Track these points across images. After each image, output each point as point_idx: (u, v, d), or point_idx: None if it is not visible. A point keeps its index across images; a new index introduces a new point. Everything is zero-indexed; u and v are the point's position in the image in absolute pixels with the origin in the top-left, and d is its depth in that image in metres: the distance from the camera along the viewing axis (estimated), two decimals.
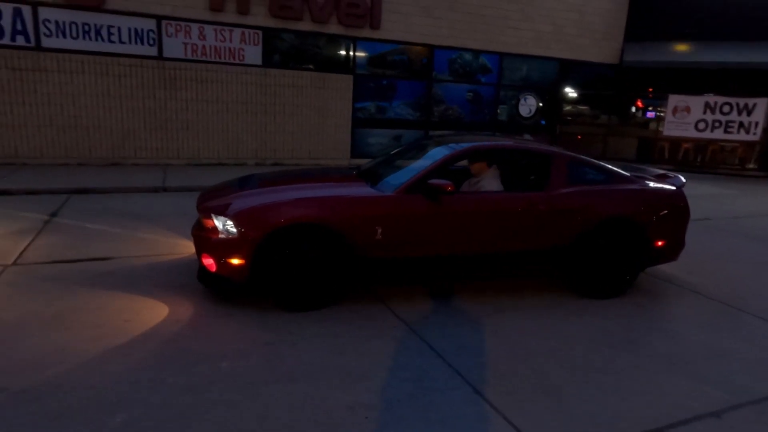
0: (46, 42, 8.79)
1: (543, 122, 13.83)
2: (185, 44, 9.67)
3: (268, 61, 10.38)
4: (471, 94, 12.78)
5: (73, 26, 8.90)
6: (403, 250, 3.94)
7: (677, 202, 4.63)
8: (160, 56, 9.54)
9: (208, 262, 3.78)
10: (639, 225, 4.38)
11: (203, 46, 9.81)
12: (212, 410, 2.58)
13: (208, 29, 9.77)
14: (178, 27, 9.55)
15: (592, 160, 4.67)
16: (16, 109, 8.82)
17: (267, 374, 2.95)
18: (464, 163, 4.70)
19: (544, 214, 4.17)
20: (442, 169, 4.13)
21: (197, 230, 3.97)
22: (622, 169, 4.82)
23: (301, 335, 3.45)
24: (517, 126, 13.38)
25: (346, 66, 11.19)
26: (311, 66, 10.89)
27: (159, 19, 9.39)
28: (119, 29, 9.18)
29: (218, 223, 3.74)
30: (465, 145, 4.40)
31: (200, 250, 3.87)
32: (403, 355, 3.26)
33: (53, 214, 6.14)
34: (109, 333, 3.32)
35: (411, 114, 12.18)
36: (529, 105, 13.48)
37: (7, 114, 8.78)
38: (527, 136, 13.14)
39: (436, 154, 4.36)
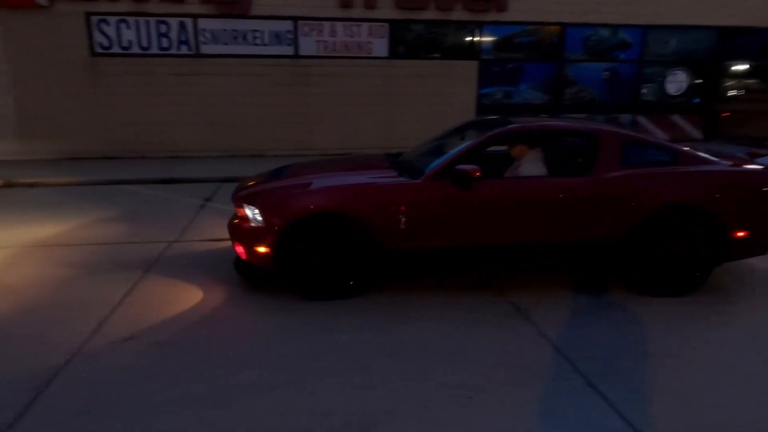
0: (203, 49, 10.02)
1: (696, 100, 12.26)
2: (318, 42, 10.31)
3: (393, 53, 10.64)
4: (608, 73, 11.79)
5: (224, 33, 10.00)
6: (431, 240, 3.76)
7: (764, 185, 3.90)
8: (295, 55, 10.30)
9: (240, 250, 3.88)
10: (710, 213, 3.77)
11: (334, 43, 10.37)
12: (326, 377, 2.81)
13: (339, 26, 10.30)
14: (312, 26, 10.22)
15: (656, 139, 4.14)
16: (179, 109, 10.19)
17: (376, 349, 3.10)
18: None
19: (587, 201, 3.75)
20: (473, 153, 3.85)
21: (232, 219, 4.11)
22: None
23: (407, 316, 3.56)
24: (663, 106, 12.05)
25: (471, 52, 11.03)
26: (435, 54, 10.93)
27: (295, 20, 10.13)
28: (261, 33, 10.10)
29: (248, 212, 3.82)
30: (499, 129, 4.02)
31: (234, 239, 3.97)
32: (512, 342, 3.21)
33: (207, 199, 7.04)
34: (259, 302, 3.75)
35: (539, 97, 11.62)
36: (678, 82, 12.04)
37: (172, 114, 10.19)
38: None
39: (470, 138, 4.11)
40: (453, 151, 3.90)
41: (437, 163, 3.83)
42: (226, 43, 10.06)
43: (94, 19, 9.62)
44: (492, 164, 4.37)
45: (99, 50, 9.76)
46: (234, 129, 10.43)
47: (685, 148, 4.05)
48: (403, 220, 3.68)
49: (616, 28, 11.37)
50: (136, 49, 9.87)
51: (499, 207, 3.76)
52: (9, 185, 7.88)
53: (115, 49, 9.82)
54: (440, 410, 2.52)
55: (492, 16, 10.73)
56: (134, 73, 9.94)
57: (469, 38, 10.98)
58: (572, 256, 3.95)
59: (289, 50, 10.27)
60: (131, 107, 10.04)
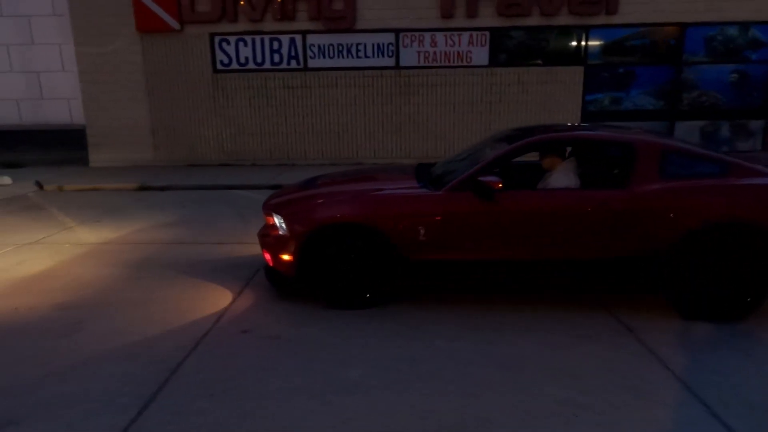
0: (311, 63, 10.61)
1: None
2: (419, 52, 10.49)
3: (494, 60, 10.52)
4: (736, 75, 10.70)
5: (330, 47, 10.52)
6: (452, 252, 3.68)
7: None
8: (397, 66, 10.56)
9: (267, 257, 4.02)
10: (763, 231, 3.37)
11: (434, 53, 10.49)
12: (427, 380, 2.86)
13: (439, 36, 10.41)
14: (413, 37, 10.42)
15: (703, 149, 3.72)
16: (290, 120, 10.87)
17: (480, 358, 3.11)
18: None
19: (621, 215, 3.50)
20: (497, 164, 3.73)
21: (262, 228, 4.22)
22: None
23: (513, 327, 3.51)
24: None
25: (576, 57, 10.58)
26: (538, 61, 10.64)
27: (397, 32, 10.40)
28: (365, 45, 10.48)
29: (276, 220, 3.93)
30: (524, 139, 3.82)
31: (262, 246, 4.09)
32: (622, 361, 3.05)
33: None
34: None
35: (652, 103, 10.85)
36: None
37: (282, 124, 10.90)
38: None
39: (498, 149, 3.90)
40: (476, 162, 3.80)
41: (460, 174, 3.75)
42: (331, 57, 10.58)
43: (217, 39, 10.59)
44: (525, 176, 4.26)
45: (220, 67, 10.73)
46: (338, 138, 10.92)
47: (739, 160, 3.64)
48: (423, 231, 3.65)
49: (746, 25, 10.32)
50: (251, 65, 10.70)
51: (523, 220, 3.62)
52: (144, 188, 8.91)
53: (234, 66, 10.72)
54: (541, 424, 2.47)
55: (600, 20, 10.23)
56: (249, 87, 10.78)
57: (574, 43, 10.56)
58: (605, 274, 3.66)
59: (390, 62, 10.55)
60: (246, 118, 10.91)
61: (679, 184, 3.53)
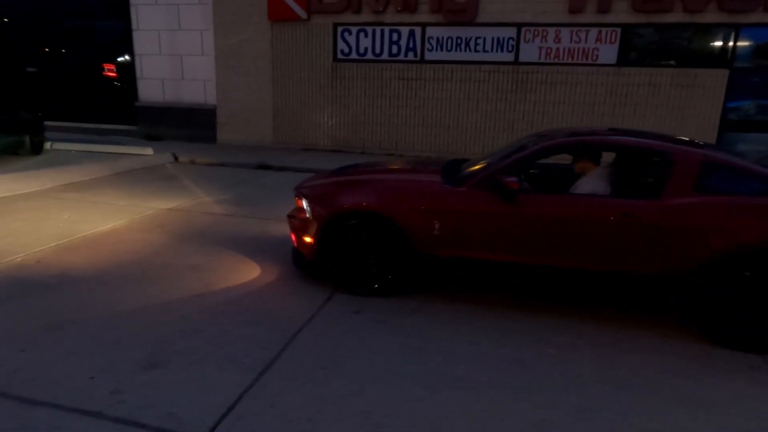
0: (428, 55, 10.64)
1: None
2: (540, 48, 10.08)
3: (623, 60, 9.82)
4: None
5: (449, 40, 10.46)
6: (467, 250, 3.61)
7: None
8: (515, 61, 10.25)
9: (294, 238, 4.18)
10: None
11: (557, 49, 10.03)
12: (537, 388, 2.79)
13: (564, 32, 9.92)
14: (536, 32, 10.03)
15: (752, 164, 3.35)
16: (401, 112, 11.02)
17: (594, 374, 2.96)
18: None
19: (647, 227, 3.27)
20: (520, 165, 3.62)
21: (292, 210, 4.30)
22: None
23: (632, 343, 3.30)
24: None
25: (721, 59, 9.55)
26: (673, 62, 9.75)
27: (519, 26, 10.07)
28: (484, 39, 10.29)
29: (303, 203, 4.06)
30: (550, 141, 3.67)
31: (291, 228, 4.23)
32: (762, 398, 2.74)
33: None
34: (471, 302, 3.93)
35: None
36: None
37: (395, 116, 11.07)
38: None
39: (526, 148, 3.72)
40: (499, 162, 3.70)
41: (482, 172, 3.69)
42: (449, 50, 10.52)
43: (340, 29, 10.98)
44: (560, 179, 4.11)
45: (340, 56, 11.12)
46: (449, 131, 10.88)
47: None
48: (438, 226, 3.62)
49: None
50: (369, 56, 10.96)
51: (542, 223, 3.46)
52: (263, 167, 9.54)
53: (353, 56, 11.06)
54: None
55: (755, 17, 9.12)
56: (366, 77, 11.07)
57: (719, 43, 9.53)
58: (626, 288, 3.43)
59: (509, 57, 10.26)
60: (360, 107, 11.23)
61: (717, 200, 3.26)
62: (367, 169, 4.57)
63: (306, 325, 3.43)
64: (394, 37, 10.73)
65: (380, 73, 10.98)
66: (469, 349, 3.19)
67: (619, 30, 9.70)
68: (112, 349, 3.05)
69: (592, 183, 3.68)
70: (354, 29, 10.91)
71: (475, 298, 3.90)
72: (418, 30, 10.57)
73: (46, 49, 13.90)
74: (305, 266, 4.15)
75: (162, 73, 12.48)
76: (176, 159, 10.06)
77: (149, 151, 10.40)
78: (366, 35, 10.88)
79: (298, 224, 4.10)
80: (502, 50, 10.27)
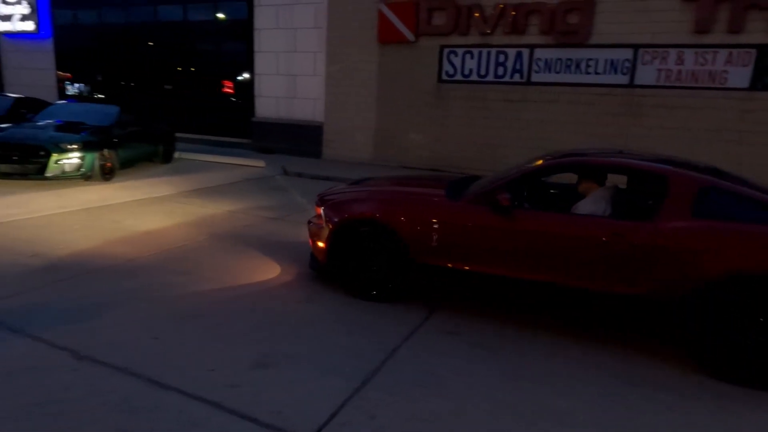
0: (534, 77, 10.45)
1: None
2: (659, 70, 9.49)
3: (757, 83, 8.94)
4: None
5: (558, 62, 10.20)
6: (462, 262, 3.75)
7: None
8: (630, 84, 9.73)
9: (311, 243, 4.44)
10: None
11: (678, 71, 9.37)
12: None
13: (688, 53, 9.25)
14: (655, 54, 9.47)
15: (752, 190, 3.28)
16: (503, 133, 10.89)
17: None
18: None
19: (638, 249, 3.27)
20: (517, 183, 3.75)
21: (312, 217, 4.56)
22: None
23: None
24: None
25: None
26: None
27: (636, 48, 9.57)
28: (596, 61, 9.89)
29: (321, 211, 4.32)
30: (548, 161, 3.80)
31: (309, 233, 4.49)
32: None
33: None
34: (568, 334, 3.79)
35: None
36: None
37: (496, 136, 10.96)
38: None
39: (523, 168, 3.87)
40: (498, 179, 3.84)
41: (479, 187, 3.87)
42: (557, 72, 10.24)
43: (446, 51, 11.14)
44: (565, 198, 4.22)
45: (444, 77, 11.26)
46: None
47: None
48: (435, 237, 3.78)
49: None
50: (474, 77, 10.99)
51: (536, 240, 3.53)
52: None
53: (457, 77, 11.15)
54: None
55: None
56: (469, 98, 11.10)
57: None
58: (617, 311, 3.42)
59: (623, 79, 9.77)
60: (460, 128, 11.26)
61: (713, 225, 3.19)
62: (381, 182, 4.86)
63: (404, 342, 3.50)
64: (501, 58, 10.67)
65: (484, 95, 10.96)
66: (568, 382, 3.06)
67: (754, 51, 8.86)
68: (229, 345, 3.33)
69: (591, 203, 3.70)
70: (460, 51, 11.01)
71: (563, 331, 3.74)
72: (525, 52, 10.43)
73: (179, 69, 15.58)
74: (319, 269, 4.45)
75: (277, 91, 13.43)
76: (285, 172, 10.73)
77: (261, 163, 11.20)
78: (472, 57, 10.93)
79: (315, 230, 4.41)
80: (615, 72, 9.81)
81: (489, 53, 10.77)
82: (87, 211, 6.53)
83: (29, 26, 16.94)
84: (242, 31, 13.69)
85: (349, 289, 4.20)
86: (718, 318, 3.12)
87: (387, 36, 11.52)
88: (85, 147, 7.86)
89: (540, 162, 3.87)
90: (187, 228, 5.99)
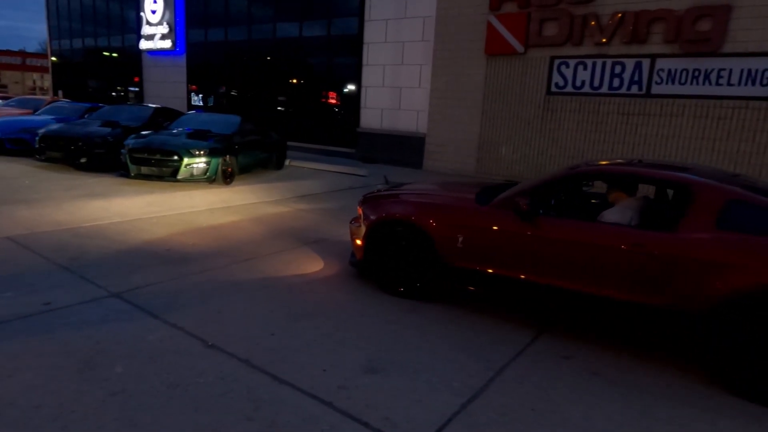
0: (655, 89, 9.74)
1: None
2: None
3: None
4: None
5: (684, 73, 9.42)
6: (486, 265, 3.89)
7: None
8: None
9: (351, 240, 4.71)
10: None
11: None
12: None
13: None
14: None
15: None
16: (617, 148, 10.26)
17: None
18: None
19: (659, 260, 3.20)
20: (540, 190, 3.85)
21: (354, 218, 4.83)
22: None
23: None
24: None
25: None
26: None
27: None
28: (730, 71, 9.00)
29: (361, 211, 4.61)
30: (569, 170, 3.89)
31: (351, 232, 4.75)
32: None
33: None
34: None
35: None
36: None
37: (609, 152, 10.35)
38: None
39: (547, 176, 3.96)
40: (524, 185, 3.99)
41: (506, 193, 3.96)
42: (682, 83, 9.47)
43: (557, 62, 10.76)
44: (595, 207, 4.30)
45: (554, 89, 10.88)
46: None
47: None
48: (461, 239, 3.95)
49: None
50: (586, 89, 10.50)
51: (560, 247, 3.58)
52: None
53: (568, 89, 10.71)
54: None
55: None
56: (580, 111, 10.61)
57: None
58: (638, 320, 3.39)
59: (762, 91, 8.78)
60: (570, 141, 10.79)
61: (736, 237, 3.10)
62: (418, 187, 5.02)
63: (512, 361, 3.40)
64: (617, 69, 10.09)
65: (597, 107, 10.42)
66: (702, 428, 2.78)
67: None
68: (339, 348, 3.45)
69: (617, 213, 3.70)
70: (572, 62, 10.59)
71: (688, 368, 3.40)
72: (645, 62, 9.77)
73: (291, 82, 16.58)
74: (357, 265, 4.73)
75: (382, 103, 13.80)
76: (386, 181, 10.95)
77: (365, 172, 11.53)
78: (585, 68, 10.46)
79: (354, 228, 4.70)
80: (753, 83, 8.85)
81: (604, 64, 10.23)
82: (210, 211, 7.14)
83: (167, 44, 19.02)
84: (352, 45, 14.28)
85: (380, 285, 4.50)
86: (740, 334, 3.03)
87: (495, 47, 11.39)
88: (210, 153, 8.62)
89: (559, 172, 3.95)
90: (300, 231, 6.33)
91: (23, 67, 46.99)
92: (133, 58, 21.13)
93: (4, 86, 44.87)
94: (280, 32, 16.37)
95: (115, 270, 4.61)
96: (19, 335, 3.32)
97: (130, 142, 8.71)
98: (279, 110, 16.79)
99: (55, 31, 25.83)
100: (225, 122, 9.98)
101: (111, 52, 22.78)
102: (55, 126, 10.35)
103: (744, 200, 3.22)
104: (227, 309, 3.95)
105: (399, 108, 13.48)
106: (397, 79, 13.41)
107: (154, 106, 11.81)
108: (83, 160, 9.60)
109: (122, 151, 8.81)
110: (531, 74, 11.11)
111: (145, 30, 19.65)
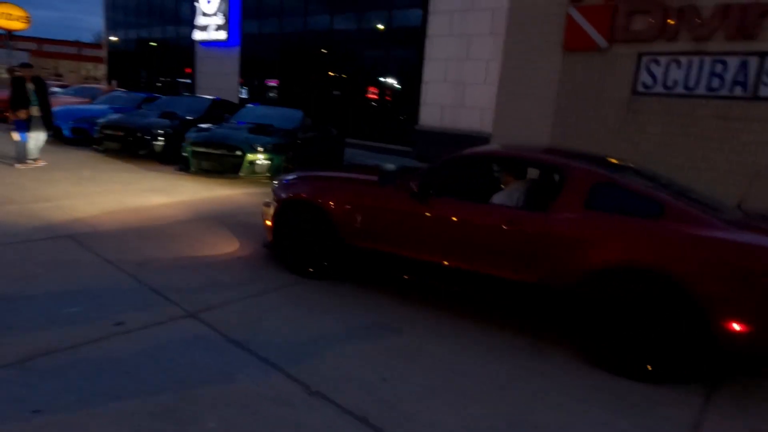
0: (763, 91, 8.68)
1: None
2: None
3: None
4: None
5: None
6: (384, 244, 4.00)
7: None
8: None
9: (263, 221, 4.76)
10: (682, 287, 2.95)
11: None
12: None
13: None
14: None
15: (644, 186, 3.37)
16: (711, 155, 9.24)
17: None
18: None
19: (531, 238, 3.42)
20: (436, 172, 4.00)
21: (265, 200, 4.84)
22: None
23: None
24: None
25: None
26: None
27: None
28: None
29: (273, 192, 4.67)
30: (453, 155, 4.07)
31: (263, 213, 4.80)
32: None
33: None
34: None
35: None
36: None
37: (702, 159, 9.34)
38: None
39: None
40: (420, 169, 4.16)
41: (404, 175, 4.06)
42: None
43: (645, 59, 9.79)
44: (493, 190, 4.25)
45: (640, 89, 9.91)
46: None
47: (681, 203, 3.22)
48: (359, 219, 4.05)
49: None
50: (679, 89, 9.50)
51: (448, 227, 3.73)
52: None
53: (657, 89, 9.73)
54: None
55: None
56: (670, 114, 9.62)
57: None
58: (518, 296, 3.56)
59: None
60: (658, 147, 9.81)
61: (599, 216, 3.30)
62: (330, 170, 5.04)
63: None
64: (718, 68, 9.06)
65: (690, 111, 9.40)
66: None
67: None
68: (467, 402, 2.82)
69: (505, 195, 3.92)
70: (663, 59, 9.60)
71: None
72: (753, 60, 8.71)
73: (345, 76, 16.05)
74: (269, 246, 4.78)
75: (443, 99, 13.10)
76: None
77: None
78: (678, 66, 9.45)
79: (265, 210, 4.72)
80: None
81: (702, 62, 9.21)
82: None
83: (221, 35, 18.82)
84: (413, 38, 13.61)
85: (288, 266, 4.49)
86: (601, 308, 3.22)
87: (574, 43, 10.49)
88: (274, 149, 8.16)
89: (446, 157, 4.07)
90: None
91: (78, 57, 48.49)
92: (186, 49, 21.10)
93: (60, 75, 46.42)
94: (337, 24, 15.85)
95: (185, 282, 4.11)
96: (89, 366, 2.81)
97: (192, 135, 8.33)
98: (333, 105, 16.29)
99: (111, 22, 26.19)
100: (286, 117, 9.51)
101: (164, 43, 22.86)
102: (114, 116, 10.12)
103: (611, 182, 3.39)
104: (330, 348, 3.38)
105: (462, 105, 12.74)
106: (460, 75, 12.67)
107: (210, 98, 11.48)
108: (142, 152, 9.31)
109: (183, 144, 8.44)
110: (614, 72, 10.16)
111: (200, 20, 19.51)
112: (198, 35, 19.78)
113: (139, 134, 9.31)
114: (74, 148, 10.67)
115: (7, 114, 8.22)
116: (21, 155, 8.39)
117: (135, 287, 3.94)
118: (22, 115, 8.10)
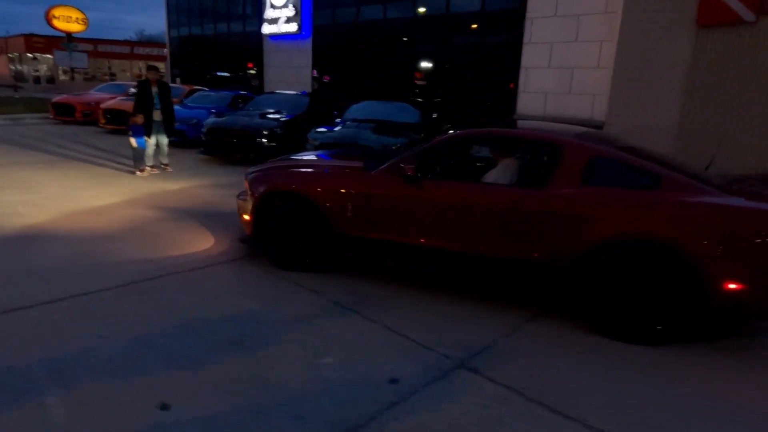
0: None
1: None
2: None
3: None
4: None
5: None
6: (377, 231, 3.87)
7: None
8: None
9: (239, 215, 4.60)
10: (683, 252, 3.08)
11: None
12: None
13: None
14: None
15: (637, 158, 3.42)
16: None
17: None
18: None
19: (532, 216, 3.43)
20: (428, 154, 3.89)
21: (240, 192, 4.70)
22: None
23: None
24: None
25: None
26: None
27: None
28: None
29: (247, 184, 4.47)
30: (444, 135, 4.03)
31: (238, 207, 4.64)
32: None
33: None
34: None
35: None
36: None
37: None
38: None
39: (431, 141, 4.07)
40: (410, 151, 3.97)
41: (393, 159, 3.92)
42: None
43: None
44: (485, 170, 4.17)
45: None
46: None
47: (677, 174, 3.33)
48: (350, 207, 3.91)
49: None
50: None
51: (444, 209, 3.66)
52: None
53: None
54: None
55: None
56: None
57: None
58: (518, 274, 3.56)
59: None
60: None
61: (598, 191, 3.36)
62: (305, 156, 4.91)
63: None
64: None
65: None
66: None
67: None
68: None
69: (498, 173, 3.88)
70: None
71: None
72: None
73: (433, 64, 15.27)
74: (246, 241, 4.63)
75: (546, 86, 12.21)
76: None
77: None
78: None
79: (241, 203, 4.53)
80: None
81: None
82: None
83: (292, 27, 18.34)
84: (510, 21, 12.72)
85: (272, 260, 4.31)
86: (604, 279, 3.28)
87: (711, 16, 9.41)
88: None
89: (438, 137, 4.01)
90: None
91: (131, 56, 49.42)
92: (251, 43, 20.76)
93: (113, 74, 47.46)
94: (421, 8, 15.05)
95: (418, 315, 3.56)
96: None
97: (317, 136, 7.82)
98: (418, 95, 15.56)
99: (174, 20, 26.21)
100: (403, 112, 8.90)
101: (230, 38, 22.63)
102: (220, 119, 9.75)
103: (606, 156, 3.42)
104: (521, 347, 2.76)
105: (569, 92, 11.82)
106: (567, 59, 11.73)
107: (308, 93, 10.99)
108: (252, 154, 8.91)
109: (307, 146, 7.95)
110: (763, 49, 9.05)
111: (269, 13, 19.07)
112: (267, 29, 19.36)
113: (248, 136, 8.91)
114: (174, 150, 10.36)
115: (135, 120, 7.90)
116: (138, 161, 8.11)
117: (367, 326, 3.40)
118: (138, 120, 7.79)
